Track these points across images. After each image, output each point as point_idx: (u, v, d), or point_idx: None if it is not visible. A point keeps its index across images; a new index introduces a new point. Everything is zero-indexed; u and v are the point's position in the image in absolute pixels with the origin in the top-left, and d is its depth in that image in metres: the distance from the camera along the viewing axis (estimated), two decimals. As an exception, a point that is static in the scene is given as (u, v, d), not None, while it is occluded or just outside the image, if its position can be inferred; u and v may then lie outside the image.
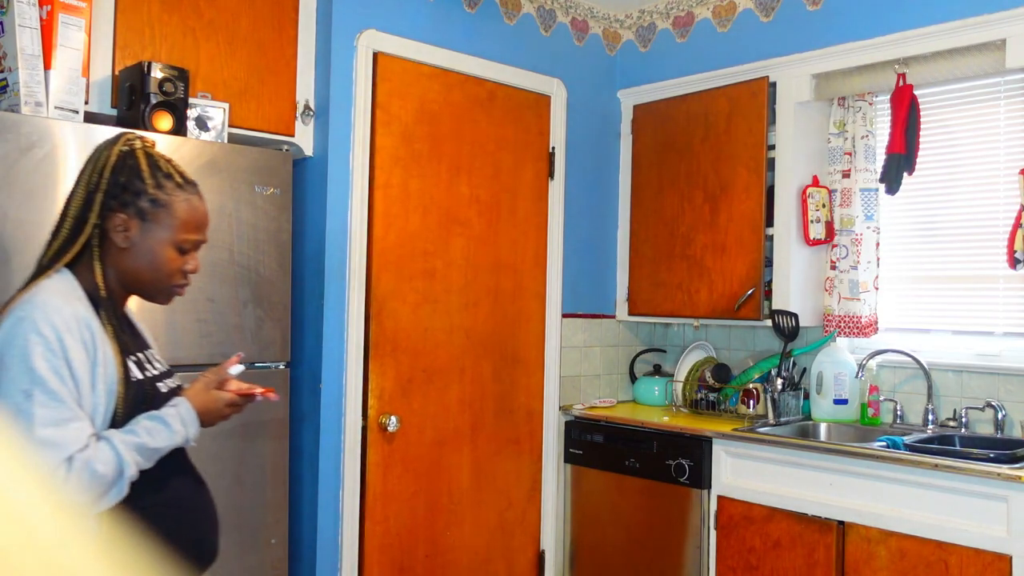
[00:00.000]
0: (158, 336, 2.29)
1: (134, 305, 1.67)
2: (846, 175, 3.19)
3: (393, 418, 2.96)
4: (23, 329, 1.36)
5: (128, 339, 1.53)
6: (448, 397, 3.17)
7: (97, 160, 1.48)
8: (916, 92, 2.93)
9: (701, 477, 3.01)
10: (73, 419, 1.37)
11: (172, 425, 1.47)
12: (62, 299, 1.41)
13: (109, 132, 2.24)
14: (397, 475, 3.01)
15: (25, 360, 1.35)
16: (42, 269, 1.46)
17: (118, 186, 1.47)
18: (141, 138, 1.54)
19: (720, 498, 2.96)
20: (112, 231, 1.47)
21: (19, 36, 2.12)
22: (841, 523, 2.64)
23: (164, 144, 2.32)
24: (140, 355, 1.55)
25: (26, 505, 0.53)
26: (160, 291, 1.57)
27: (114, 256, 1.49)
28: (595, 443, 3.37)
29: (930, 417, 2.98)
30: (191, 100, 2.46)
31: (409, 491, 3.05)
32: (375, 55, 2.96)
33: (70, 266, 1.47)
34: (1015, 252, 2.71)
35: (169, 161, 1.56)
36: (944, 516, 2.43)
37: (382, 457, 2.97)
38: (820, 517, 2.69)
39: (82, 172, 1.49)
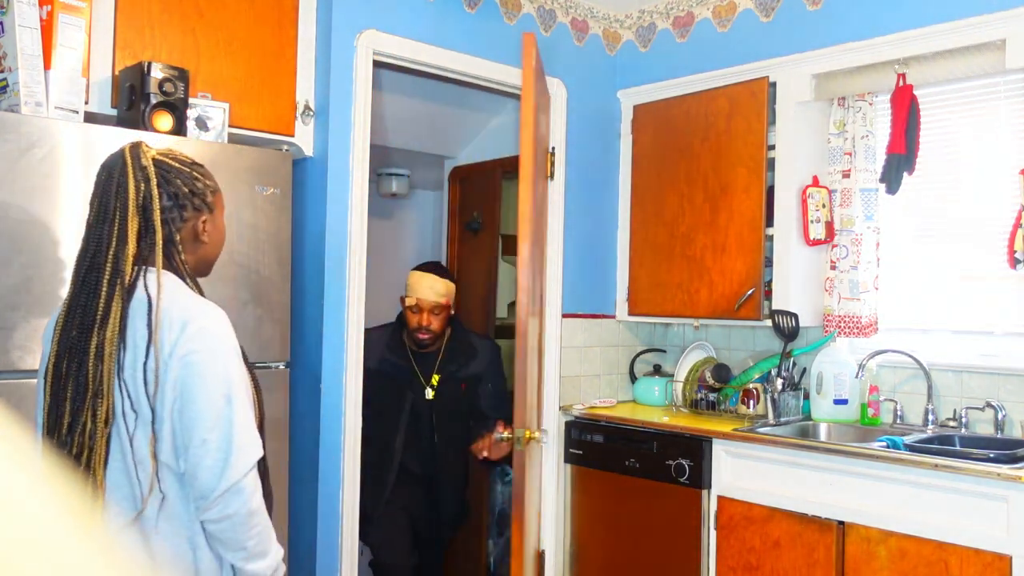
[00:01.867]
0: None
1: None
2: (846, 175, 3.18)
3: (393, 418, 2.96)
4: (208, 329, 1.51)
5: None
6: (448, 397, 3.18)
7: (127, 172, 1.53)
8: (916, 92, 2.93)
9: (701, 477, 3.01)
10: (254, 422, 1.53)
11: None
12: (209, 304, 1.56)
13: (109, 134, 2.24)
14: (397, 475, 3.02)
15: (226, 365, 1.49)
16: (122, 275, 1.50)
17: (184, 195, 1.58)
18: (142, 142, 1.60)
19: (720, 498, 2.96)
20: (202, 232, 1.62)
21: (19, 36, 2.12)
22: (841, 523, 2.64)
23: (164, 144, 2.32)
24: None
25: (35, 509, 0.53)
26: (211, 265, 1.72)
27: (192, 251, 1.63)
28: (595, 443, 3.37)
29: (930, 417, 2.97)
30: (191, 100, 2.46)
31: (409, 491, 3.05)
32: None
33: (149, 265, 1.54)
34: (1015, 252, 2.71)
35: (171, 149, 1.65)
36: (944, 516, 2.43)
37: (382, 457, 2.97)
38: (820, 517, 2.69)
39: (115, 187, 1.53)
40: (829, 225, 3.19)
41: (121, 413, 1.46)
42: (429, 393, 3.11)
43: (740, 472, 2.93)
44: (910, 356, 3.02)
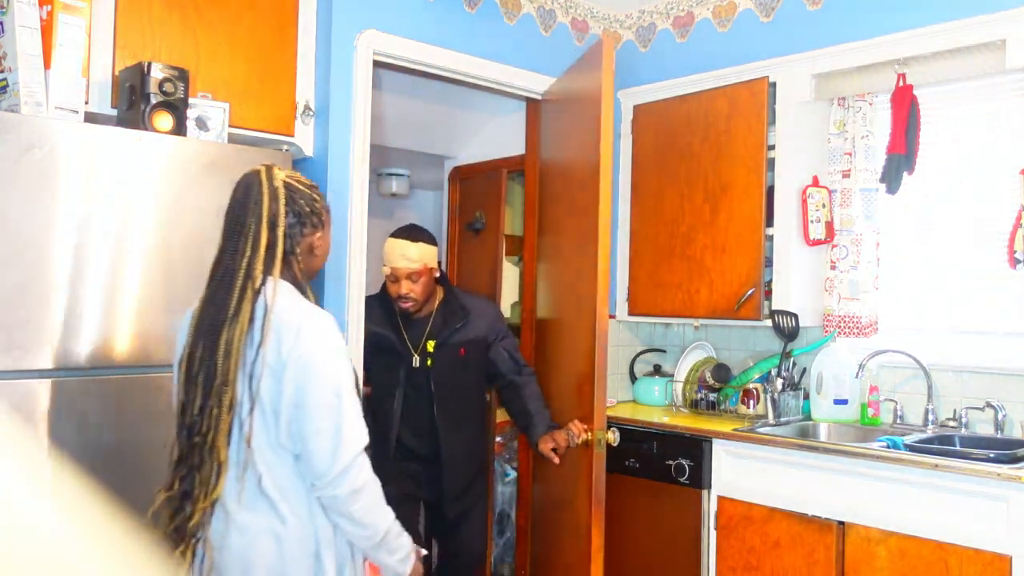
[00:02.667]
0: (159, 336, 2.30)
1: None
2: (846, 175, 3.18)
3: (393, 418, 2.94)
4: (321, 332, 1.71)
5: None
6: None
7: (262, 192, 1.75)
8: (916, 92, 2.93)
9: (701, 477, 3.01)
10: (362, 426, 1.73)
11: None
12: (319, 310, 1.77)
13: (109, 134, 2.24)
14: (397, 475, 3.01)
15: (335, 364, 1.70)
16: (253, 280, 1.71)
17: (306, 213, 1.80)
18: (273, 165, 1.82)
19: (720, 498, 2.96)
20: (315, 246, 1.85)
21: (19, 36, 2.11)
22: (841, 523, 2.64)
23: (164, 144, 2.32)
24: None
25: (31, 508, 0.53)
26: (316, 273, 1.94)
27: (307, 262, 1.85)
28: (595, 443, 3.37)
29: (930, 417, 2.97)
30: (191, 100, 2.46)
31: (409, 491, 3.05)
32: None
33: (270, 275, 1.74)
34: (1015, 252, 2.71)
35: (298, 177, 1.85)
36: (944, 516, 2.43)
37: (382, 457, 2.97)
38: (820, 517, 2.69)
39: (251, 203, 1.74)
40: (829, 225, 3.19)
41: (240, 402, 1.69)
42: (416, 361, 2.88)
43: (740, 472, 2.93)
44: (910, 356, 3.02)
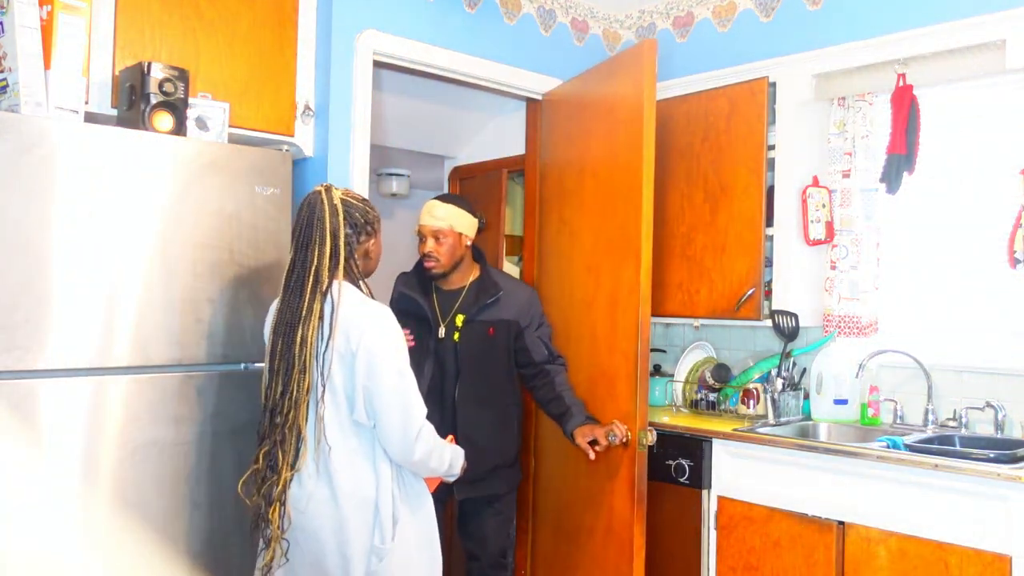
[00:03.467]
0: (159, 336, 2.30)
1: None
2: (846, 175, 3.18)
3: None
4: (383, 324, 2.06)
5: None
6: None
7: (324, 209, 2.09)
8: (916, 92, 2.93)
9: (701, 477, 3.01)
10: (419, 401, 2.09)
11: None
12: (379, 305, 2.11)
13: (109, 134, 2.24)
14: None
15: (396, 349, 2.06)
16: (320, 284, 2.05)
17: (361, 224, 2.16)
18: (331, 186, 2.16)
19: (720, 498, 2.96)
20: (370, 250, 2.22)
21: (19, 36, 2.11)
22: (841, 523, 2.64)
23: (164, 144, 2.32)
24: None
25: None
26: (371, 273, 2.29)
27: (363, 265, 2.21)
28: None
29: (930, 417, 2.97)
30: (191, 100, 2.46)
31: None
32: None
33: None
34: (1015, 252, 2.71)
35: (352, 194, 2.21)
36: (944, 516, 2.43)
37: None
38: (820, 517, 2.69)
39: (315, 219, 2.08)
40: (829, 225, 3.19)
41: (314, 386, 2.03)
42: (443, 331, 2.83)
43: (740, 472, 2.93)
44: (910, 356, 3.02)
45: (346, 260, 2.11)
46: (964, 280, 3.04)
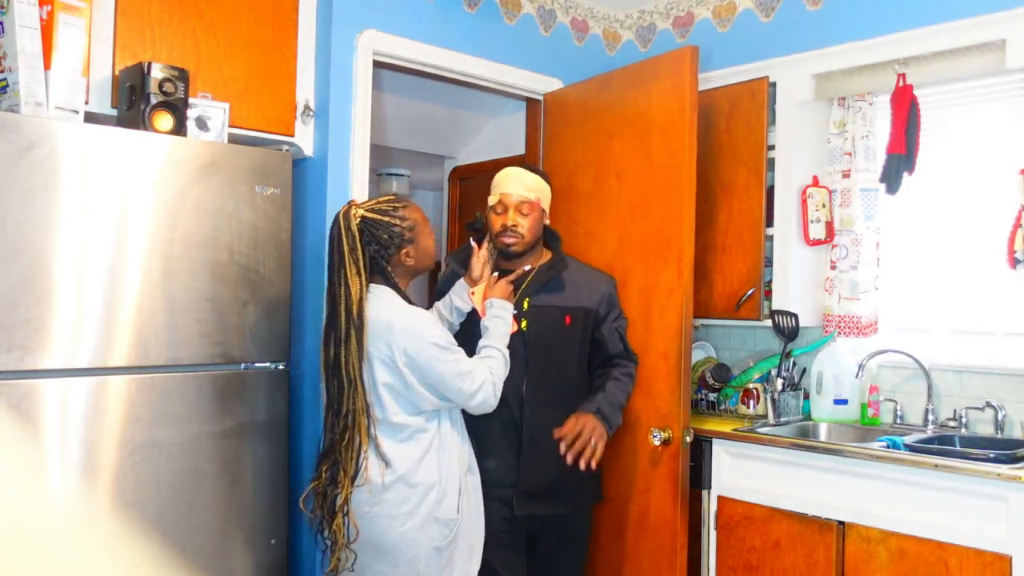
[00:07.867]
0: (158, 336, 2.30)
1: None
2: (846, 175, 3.18)
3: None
4: (422, 328, 2.24)
5: None
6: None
7: (342, 235, 2.24)
8: (916, 92, 2.93)
9: (701, 477, 3.01)
10: (464, 357, 2.30)
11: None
12: (414, 309, 2.30)
13: (109, 134, 2.24)
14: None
15: (434, 341, 2.23)
16: (350, 300, 2.22)
17: (386, 240, 2.27)
18: (353, 203, 2.31)
19: (720, 498, 2.96)
20: (403, 258, 2.31)
21: (19, 36, 2.11)
22: (841, 523, 2.64)
23: (164, 144, 2.33)
24: None
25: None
26: (430, 268, 2.45)
27: (404, 272, 2.35)
28: (595, 443, 3.36)
29: (930, 417, 2.97)
30: (191, 100, 2.46)
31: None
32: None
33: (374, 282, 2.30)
34: (1015, 252, 2.71)
35: (378, 200, 2.34)
36: (944, 516, 2.43)
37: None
38: (820, 517, 2.69)
39: (335, 243, 2.26)
40: (829, 225, 3.19)
41: (367, 390, 2.23)
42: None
43: (740, 472, 2.93)
44: (910, 356, 3.02)
45: (381, 271, 2.28)
46: (964, 280, 3.04)
